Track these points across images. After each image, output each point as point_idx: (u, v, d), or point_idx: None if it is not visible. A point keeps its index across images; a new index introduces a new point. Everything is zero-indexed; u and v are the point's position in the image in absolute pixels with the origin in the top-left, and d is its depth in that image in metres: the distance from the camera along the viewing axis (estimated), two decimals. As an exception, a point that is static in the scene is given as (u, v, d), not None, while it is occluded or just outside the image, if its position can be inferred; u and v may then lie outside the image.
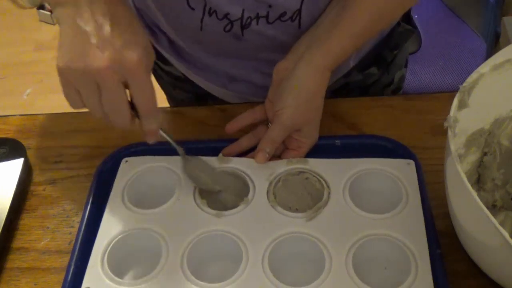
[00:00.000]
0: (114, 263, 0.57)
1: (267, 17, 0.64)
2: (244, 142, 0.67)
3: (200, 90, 0.82)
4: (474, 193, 0.45)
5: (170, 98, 0.93)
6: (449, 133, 0.51)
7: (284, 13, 0.64)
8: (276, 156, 0.65)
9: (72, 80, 0.52)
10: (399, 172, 0.62)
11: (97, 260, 0.56)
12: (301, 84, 0.62)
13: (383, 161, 0.63)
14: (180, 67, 0.80)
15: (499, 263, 0.50)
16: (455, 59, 1.35)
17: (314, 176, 0.63)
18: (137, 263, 0.59)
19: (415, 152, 0.64)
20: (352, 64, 0.76)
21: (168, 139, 0.61)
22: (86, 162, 0.70)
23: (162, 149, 0.67)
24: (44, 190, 0.68)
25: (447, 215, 0.60)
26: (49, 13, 2.44)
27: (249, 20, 0.65)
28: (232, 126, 0.67)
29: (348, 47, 0.63)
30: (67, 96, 0.54)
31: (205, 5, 0.64)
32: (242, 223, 0.59)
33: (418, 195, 0.60)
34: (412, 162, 0.63)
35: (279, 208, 0.60)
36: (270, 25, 0.65)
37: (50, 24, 2.47)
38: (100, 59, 0.50)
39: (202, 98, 0.85)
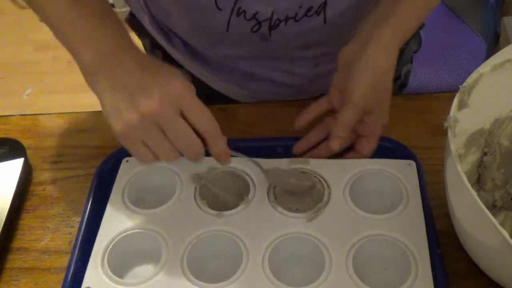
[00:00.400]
0: (115, 263, 0.57)
1: (295, 17, 0.64)
2: (313, 137, 0.65)
3: (209, 90, 0.82)
4: (474, 193, 0.45)
5: None
6: (449, 133, 0.51)
7: (310, 8, 0.64)
8: (349, 148, 0.64)
9: (134, 136, 0.53)
10: (399, 173, 0.62)
11: (98, 260, 0.56)
12: (373, 63, 0.59)
13: (384, 161, 0.63)
14: (192, 68, 0.80)
15: (499, 263, 0.50)
16: (455, 59, 1.35)
17: (314, 176, 0.63)
18: (138, 263, 0.59)
19: (415, 152, 0.64)
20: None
21: (241, 154, 0.61)
22: (86, 162, 0.70)
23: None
24: (44, 190, 0.68)
25: (447, 215, 0.60)
26: (49, 13, 2.44)
27: (277, 22, 0.65)
28: (300, 121, 0.66)
29: (414, 22, 0.61)
30: (137, 155, 0.55)
31: (233, 6, 0.63)
32: (242, 223, 0.59)
33: (418, 196, 0.60)
34: (412, 162, 0.63)
35: (280, 209, 0.60)
36: (297, 23, 0.65)
37: (50, 24, 2.47)
38: (150, 101, 0.51)
39: (211, 98, 0.85)
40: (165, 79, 0.52)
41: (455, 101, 0.53)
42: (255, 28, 0.66)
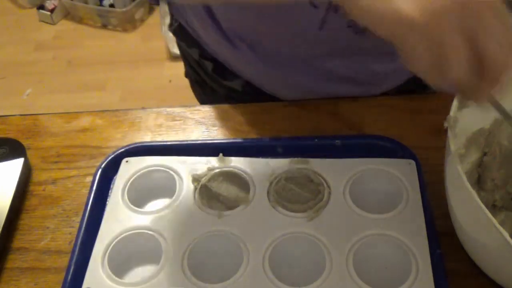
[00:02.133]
0: (115, 264, 0.57)
1: None
2: None
3: (258, 99, 0.79)
4: (474, 193, 0.45)
5: (202, 102, 0.91)
6: (449, 133, 0.51)
7: None
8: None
9: (444, 25, 0.39)
10: (399, 172, 0.62)
11: (98, 261, 0.56)
12: None
13: (384, 161, 0.63)
14: (254, 76, 0.77)
15: (499, 263, 0.50)
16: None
17: (315, 175, 0.63)
18: (138, 263, 0.59)
19: (415, 152, 0.64)
20: None
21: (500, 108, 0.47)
22: (86, 162, 0.70)
23: (162, 149, 0.67)
24: (44, 190, 0.68)
25: (447, 215, 0.60)
26: (49, 13, 2.44)
27: None
28: None
29: None
30: (424, 59, 0.41)
31: (331, 2, 0.60)
32: (243, 223, 0.59)
33: (418, 195, 0.60)
34: (412, 162, 0.63)
35: (280, 208, 0.60)
36: None
37: (50, 24, 2.47)
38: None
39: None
40: None
41: (455, 101, 0.53)
42: (352, 22, 0.63)
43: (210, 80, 0.84)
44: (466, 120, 0.54)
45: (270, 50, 0.73)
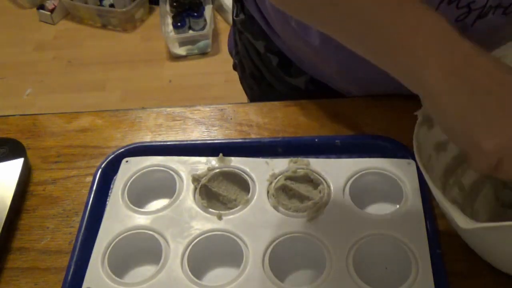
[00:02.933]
0: (115, 263, 0.57)
1: (507, 7, 0.60)
2: None
3: (317, 97, 0.77)
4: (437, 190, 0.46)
5: (254, 99, 0.89)
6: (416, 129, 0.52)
7: None
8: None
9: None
10: (399, 172, 0.62)
11: (98, 260, 0.57)
12: None
13: (383, 161, 0.63)
14: (330, 69, 0.74)
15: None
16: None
17: (314, 175, 0.63)
18: (138, 263, 0.59)
19: (415, 152, 0.64)
20: None
21: None
22: (86, 162, 0.70)
23: (162, 149, 0.67)
24: (44, 190, 0.68)
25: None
26: (49, 13, 2.44)
27: (488, 9, 0.60)
28: None
29: None
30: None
31: None
32: (243, 224, 0.59)
33: (418, 195, 0.60)
34: (412, 161, 0.63)
35: (280, 208, 0.60)
36: (503, 16, 0.61)
37: (50, 24, 2.47)
38: None
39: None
40: None
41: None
42: (461, 17, 0.59)
43: (270, 75, 0.82)
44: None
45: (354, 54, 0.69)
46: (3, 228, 0.61)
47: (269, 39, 0.78)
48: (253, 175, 0.63)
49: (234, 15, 0.84)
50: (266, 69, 0.82)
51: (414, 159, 0.63)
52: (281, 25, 0.74)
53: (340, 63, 0.72)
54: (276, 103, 0.77)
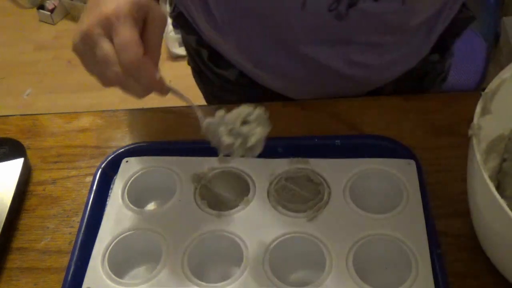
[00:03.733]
0: (115, 264, 0.57)
1: None
2: None
3: (250, 92, 0.80)
4: (503, 203, 0.45)
5: (214, 98, 0.91)
6: (474, 141, 0.50)
7: None
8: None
9: (79, 52, 0.54)
10: (399, 172, 0.62)
11: (98, 261, 0.57)
12: None
13: (383, 161, 0.63)
14: (247, 65, 0.78)
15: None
16: (455, 59, 1.35)
17: (314, 175, 0.63)
18: (138, 263, 0.59)
19: (415, 152, 0.64)
20: (428, 49, 0.76)
21: (180, 94, 0.57)
22: (86, 162, 0.70)
23: (161, 151, 0.67)
24: (44, 190, 0.68)
25: (447, 215, 0.61)
26: (49, 13, 2.44)
27: None
28: None
29: None
30: (86, 68, 0.55)
31: None
32: (243, 223, 0.59)
33: (418, 195, 0.60)
34: (412, 162, 0.63)
35: (280, 208, 0.60)
36: (375, 3, 0.64)
37: (50, 24, 2.47)
38: (87, 21, 0.53)
39: (250, 101, 0.83)
40: (107, 3, 0.52)
41: (478, 108, 0.52)
42: (333, 6, 0.63)
43: (205, 68, 0.85)
44: (487, 126, 0.53)
45: (256, 35, 0.72)
46: (3, 228, 0.61)
47: (198, 33, 0.80)
48: (253, 175, 0.63)
49: (170, 12, 0.85)
50: (200, 63, 0.85)
51: (414, 159, 0.63)
52: (199, 17, 0.75)
53: (239, 43, 0.74)
54: (276, 103, 0.77)
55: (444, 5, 0.72)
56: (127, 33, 0.51)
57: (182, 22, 0.82)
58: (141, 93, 0.54)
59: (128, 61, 0.50)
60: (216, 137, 0.55)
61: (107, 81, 0.54)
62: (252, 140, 0.54)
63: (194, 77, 0.93)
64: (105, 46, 0.51)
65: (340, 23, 0.65)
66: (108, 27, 0.51)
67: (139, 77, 0.52)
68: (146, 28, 0.53)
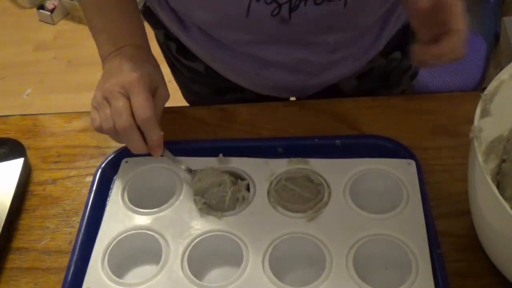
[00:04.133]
0: (115, 264, 0.57)
1: None
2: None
3: (220, 83, 0.83)
4: (506, 205, 0.45)
5: (188, 92, 0.93)
6: (475, 143, 0.50)
7: None
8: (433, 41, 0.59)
9: (95, 105, 0.64)
10: (399, 172, 0.62)
11: (98, 261, 0.56)
12: None
13: (383, 161, 0.63)
14: (206, 58, 0.80)
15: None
16: (455, 59, 1.35)
17: (314, 176, 0.63)
18: (138, 263, 0.59)
19: (415, 152, 0.64)
20: (380, 48, 0.76)
21: (171, 157, 0.65)
22: (86, 162, 0.70)
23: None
24: (44, 190, 0.68)
25: (447, 215, 0.61)
26: (49, 13, 2.44)
27: (297, 2, 0.64)
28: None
29: None
30: (93, 119, 0.64)
31: None
32: (243, 224, 0.59)
33: (418, 195, 0.60)
34: (412, 162, 0.63)
35: (280, 209, 0.60)
36: (317, 6, 0.65)
37: (50, 24, 2.47)
38: (107, 84, 0.62)
39: (220, 91, 0.86)
40: (131, 72, 0.63)
41: (478, 110, 0.52)
42: (275, 12, 0.65)
43: (175, 61, 0.86)
44: (486, 128, 0.53)
45: (213, 36, 0.74)
46: (3, 228, 0.61)
47: (165, 27, 0.81)
48: (253, 175, 0.63)
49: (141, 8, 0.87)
50: (171, 56, 0.86)
51: (413, 159, 0.63)
52: (161, 12, 0.78)
53: (196, 38, 0.77)
54: (276, 103, 0.77)
55: (395, 6, 0.72)
56: (146, 95, 0.61)
57: (150, 17, 0.83)
58: (141, 147, 0.62)
59: (144, 117, 0.60)
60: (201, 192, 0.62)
61: (113, 131, 0.62)
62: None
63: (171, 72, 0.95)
64: (123, 101, 0.61)
65: (285, 26, 0.67)
66: (128, 90, 0.61)
67: (149, 130, 0.61)
68: (154, 99, 0.63)
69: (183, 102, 0.95)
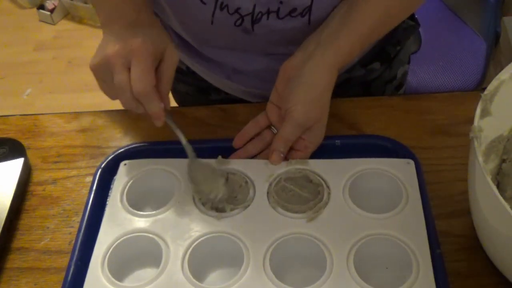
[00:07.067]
0: (115, 267, 0.57)
1: (277, 12, 0.65)
2: (251, 149, 0.67)
3: (202, 83, 0.83)
4: (507, 206, 0.45)
5: (174, 91, 0.93)
6: (475, 143, 0.50)
7: (294, 9, 0.64)
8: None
9: (97, 73, 0.61)
10: (399, 172, 0.62)
11: (97, 264, 0.56)
12: (312, 81, 0.62)
13: (383, 161, 0.63)
14: (185, 59, 0.81)
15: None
16: (455, 59, 1.35)
17: (314, 176, 0.63)
18: (138, 266, 0.59)
19: (415, 152, 0.64)
20: (356, 59, 0.76)
21: (174, 128, 0.63)
22: (86, 162, 0.70)
23: (161, 151, 0.67)
24: (44, 190, 0.68)
25: (447, 215, 0.60)
26: (49, 13, 2.44)
27: (260, 15, 0.65)
28: (240, 140, 0.67)
29: (356, 47, 0.64)
30: (102, 89, 0.62)
31: (217, 0, 0.64)
32: (243, 225, 0.59)
33: (418, 195, 0.60)
34: (412, 161, 0.63)
35: (279, 209, 0.60)
36: (280, 20, 0.65)
37: (50, 24, 2.47)
38: (111, 49, 0.59)
39: (204, 91, 0.86)
40: (132, 38, 0.59)
41: (478, 110, 0.52)
42: (238, 22, 0.66)
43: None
44: (485, 128, 0.53)
45: (188, 42, 0.75)
46: (3, 228, 0.61)
47: None
48: (252, 176, 0.63)
49: None
50: None
51: (413, 159, 0.63)
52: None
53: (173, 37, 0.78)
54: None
55: None
56: (144, 65, 0.58)
57: None
58: (149, 117, 0.61)
59: (139, 90, 0.58)
60: (196, 181, 0.62)
61: (112, 98, 0.62)
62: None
63: None
64: (123, 75, 0.58)
65: (249, 36, 0.68)
66: (129, 58, 0.58)
67: (146, 104, 0.59)
68: (161, 64, 0.61)
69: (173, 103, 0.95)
